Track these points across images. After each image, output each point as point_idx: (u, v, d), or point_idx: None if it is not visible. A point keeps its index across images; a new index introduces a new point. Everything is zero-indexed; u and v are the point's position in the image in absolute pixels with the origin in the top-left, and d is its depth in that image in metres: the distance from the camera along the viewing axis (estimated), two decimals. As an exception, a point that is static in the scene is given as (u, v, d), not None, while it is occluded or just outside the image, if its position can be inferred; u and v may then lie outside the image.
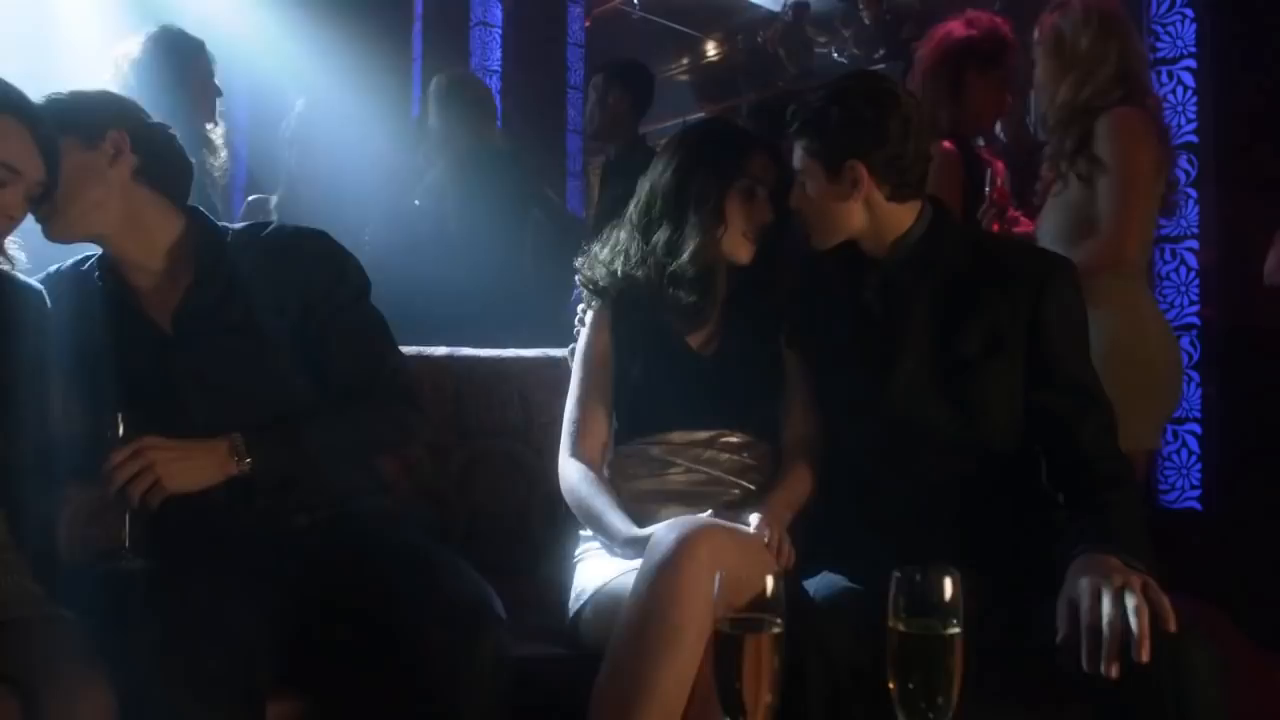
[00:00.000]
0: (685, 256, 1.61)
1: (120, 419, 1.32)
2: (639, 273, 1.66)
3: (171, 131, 1.54)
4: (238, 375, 1.47)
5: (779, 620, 0.92)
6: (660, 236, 1.65)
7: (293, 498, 1.47)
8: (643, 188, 1.71)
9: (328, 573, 1.40)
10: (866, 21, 7.47)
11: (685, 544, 1.26)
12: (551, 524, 1.82)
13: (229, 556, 1.39)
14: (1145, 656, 1.08)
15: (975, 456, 1.47)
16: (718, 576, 0.98)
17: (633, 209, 1.72)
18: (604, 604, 1.44)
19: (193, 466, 1.35)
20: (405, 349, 1.64)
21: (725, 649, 0.92)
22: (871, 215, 1.52)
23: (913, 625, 0.90)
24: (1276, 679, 1.64)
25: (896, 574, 0.92)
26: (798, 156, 1.55)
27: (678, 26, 9.49)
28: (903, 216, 1.54)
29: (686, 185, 1.64)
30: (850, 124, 1.48)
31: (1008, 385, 1.46)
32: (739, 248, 1.63)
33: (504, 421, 1.98)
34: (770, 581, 0.93)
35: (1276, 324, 2.92)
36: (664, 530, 1.32)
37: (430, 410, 1.64)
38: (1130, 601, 1.11)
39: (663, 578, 1.26)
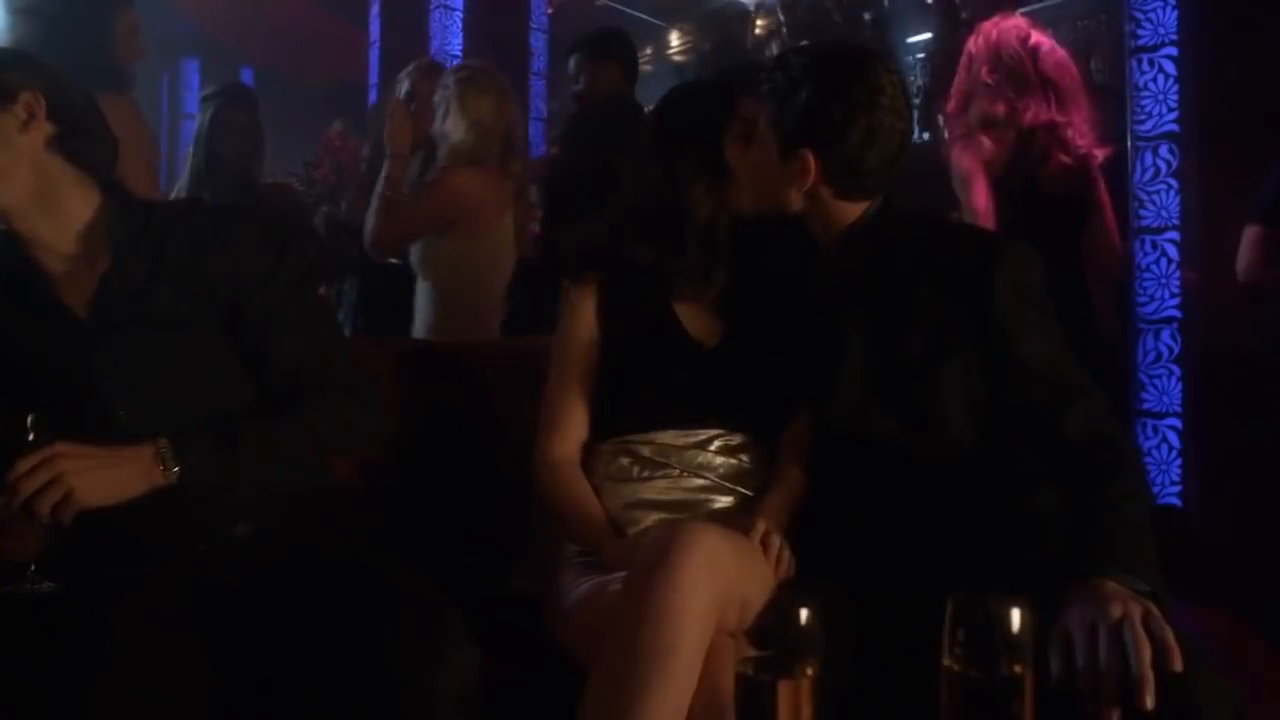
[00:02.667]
0: (688, 216, 1.48)
1: (30, 421, 1.17)
2: (631, 245, 1.53)
3: (93, 98, 1.38)
4: (164, 371, 1.32)
5: (814, 659, 0.77)
6: (656, 201, 1.52)
7: (228, 506, 1.32)
8: (630, 157, 1.58)
9: (269, 596, 1.25)
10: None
11: (680, 549, 1.13)
12: (524, 529, 1.69)
13: (155, 578, 1.24)
14: (1149, 703, 0.96)
15: (941, 471, 1.33)
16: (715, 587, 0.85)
17: (622, 179, 1.60)
18: (586, 616, 1.31)
19: (111, 477, 1.20)
20: (360, 335, 1.48)
21: (750, 701, 0.77)
22: (814, 205, 1.41)
23: (974, 665, 0.77)
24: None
25: (953, 603, 0.79)
26: (761, 116, 1.44)
27: (643, 16, 9.38)
28: (848, 211, 1.42)
29: (679, 143, 1.51)
30: (814, 112, 1.35)
31: (963, 389, 1.32)
32: (741, 195, 1.50)
33: (470, 415, 1.83)
34: (806, 613, 0.77)
35: (1258, 317, 2.87)
36: (655, 534, 1.19)
37: (387, 404, 1.48)
38: (1129, 637, 0.99)
39: (655, 587, 1.12)
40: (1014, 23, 2.78)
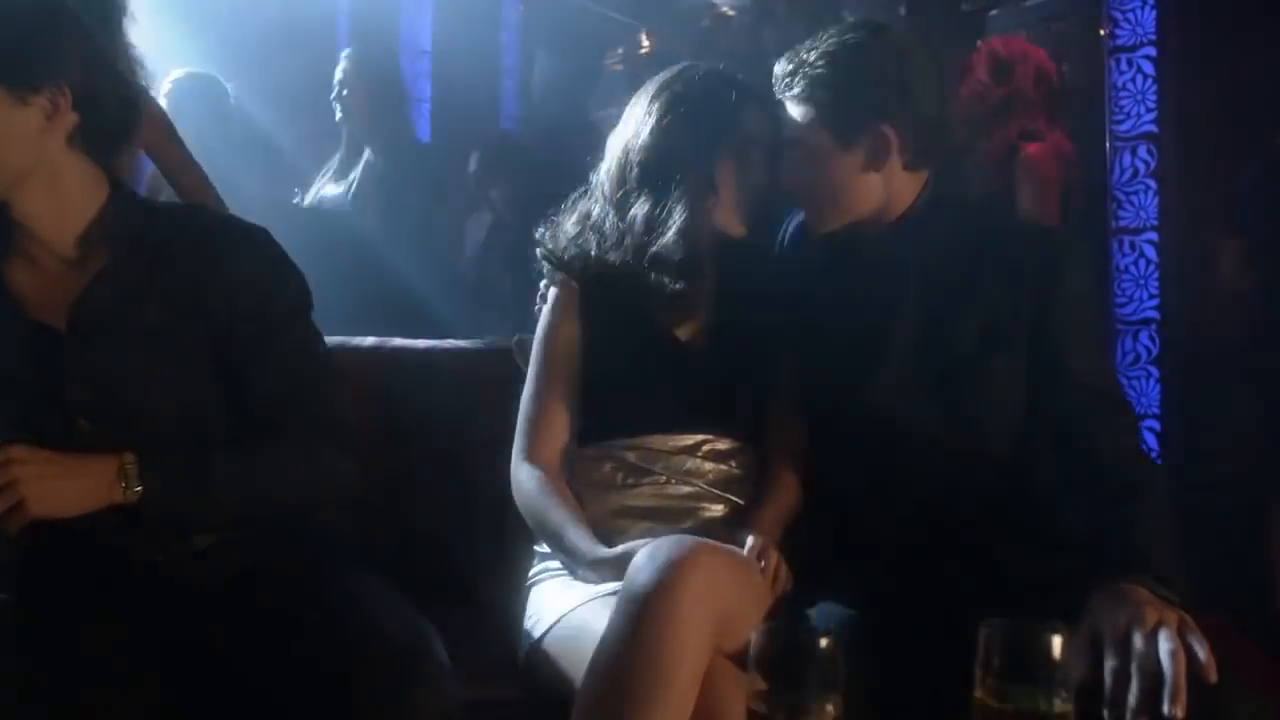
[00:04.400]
0: (670, 235, 1.39)
1: None
2: (613, 255, 1.44)
3: (127, 76, 1.28)
4: (137, 384, 1.23)
5: (837, 696, 0.70)
6: (639, 210, 1.42)
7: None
8: (614, 149, 1.48)
9: (231, 612, 1.17)
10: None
11: (678, 569, 1.06)
12: (499, 540, 1.60)
13: (110, 590, 1.16)
14: (1180, 712, 0.93)
15: (971, 472, 1.28)
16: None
17: (604, 176, 1.49)
18: (565, 637, 1.24)
19: (67, 488, 1.12)
20: (327, 339, 1.39)
21: None
22: (879, 186, 1.35)
23: (1012, 697, 0.70)
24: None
25: (986, 630, 0.72)
26: (799, 123, 1.35)
27: (614, 15, 9.32)
28: (909, 188, 1.37)
29: (669, 148, 1.41)
30: (879, 82, 1.30)
31: (1009, 385, 1.28)
32: (732, 220, 1.43)
33: (443, 421, 1.75)
34: (825, 641, 0.70)
35: (1237, 317, 2.86)
36: (649, 551, 1.11)
37: (351, 405, 1.39)
38: (1165, 645, 0.96)
39: (651, 609, 1.05)
40: (1025, 44, 3.09)
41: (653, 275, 1.40)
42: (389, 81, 3.25)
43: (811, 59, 1.33)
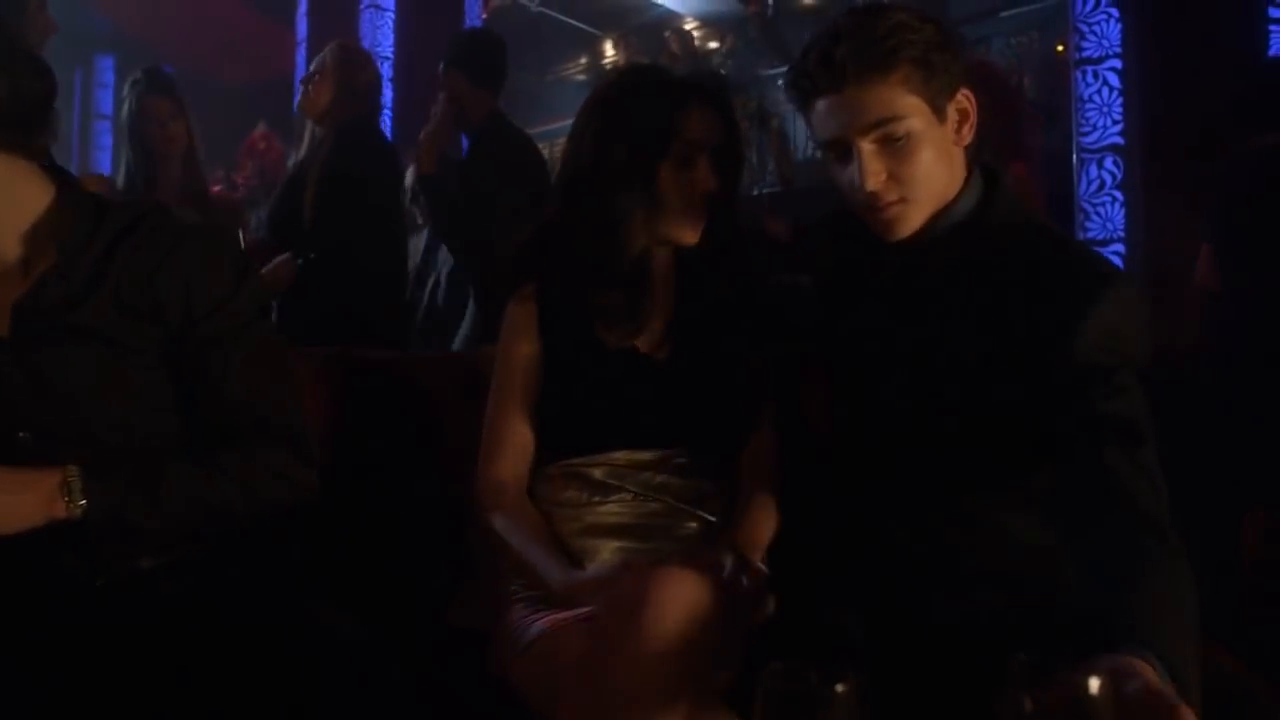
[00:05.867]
0: (609, 246, 1.34)
1: None
2: (561, 269, 1.39)
3: (47, 68, 1.18)
4: (83, 391, 1.15)
5: None
6: (582, 222, 1.37)
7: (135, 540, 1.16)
8: (562, 160, 1.43)
9: (177, 642, 1.09)
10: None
11: (654, 605, 0.99)
12: (464, 556, 1.54)
13: (46, 615, 1.08)
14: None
15: (967, 492, 1.19)
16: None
17: (555, 187, 1.44)
18: (539, 662, 1.18)
19: (5, 503, 1.05)
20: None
21: None
22: (951, 176, 1.23)
23: None
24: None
25: (1014, 667, 0.66)
26: (879, 101, 1.15)
27: (577, 24, 9.28)
28: (959, 179, 1.23)
29: (605, 156, 1.35)
30: (957, 50, 1.19)
31: (1018, 409, 1.15)
32: (681, 229, 1.36)
33: (404, 432, 1.68)
34: (841, 688, 0.61)
35: (1204, 331, 2.87)
36: (624, 582, 1.05)
37: (310, 418, 1.31)
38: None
39: (625, 649, 0.98)
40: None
41: (595, 289, 1.35)
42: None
43: (880, 34, 1.14)
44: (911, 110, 1.15)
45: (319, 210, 2.66)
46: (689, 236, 1.37)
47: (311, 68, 2.81)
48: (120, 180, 2.87)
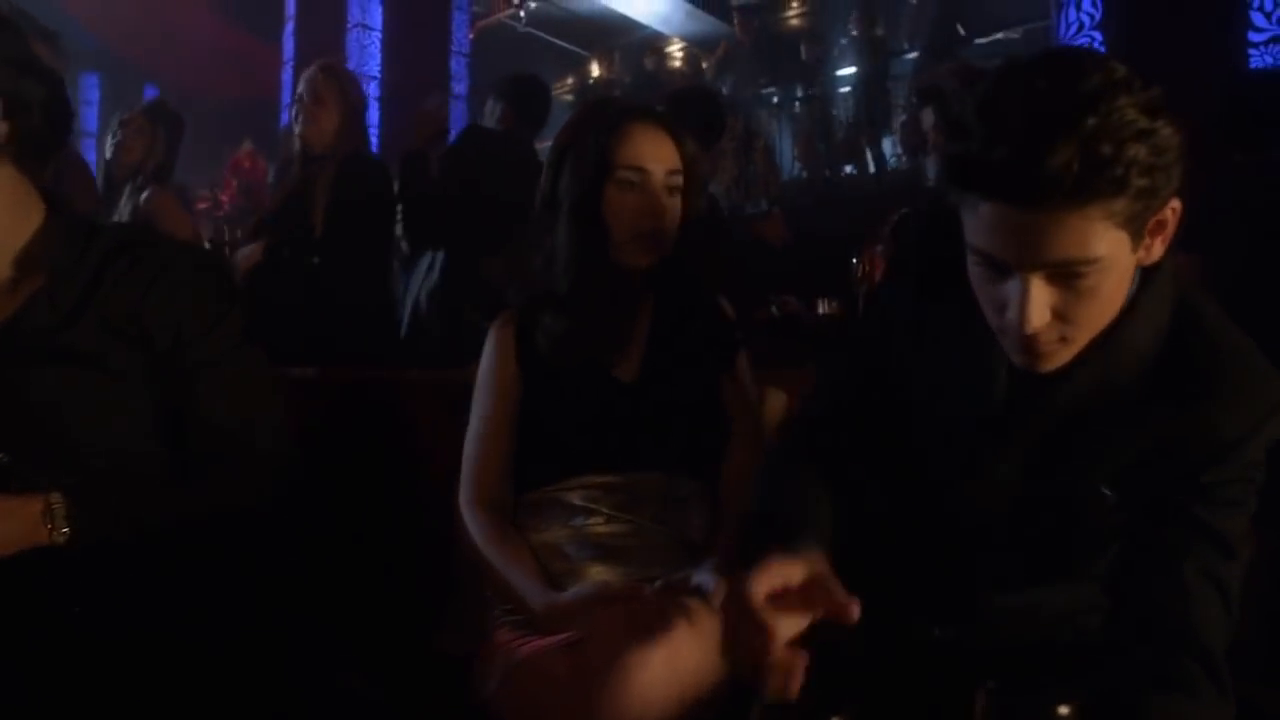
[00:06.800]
0: (559, 273, 1.37)
1: None
2: (529, 295, 1.42)
3: (61, 79, 1.17)
4: (66, 414, 1.13)
5: None
6: (544, 249, 1.40)
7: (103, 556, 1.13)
8: (539, 186, 1.46)
9: (147, 678, 1.06)
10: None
11: (634, 654, 0.98)
12: (447, 581, 1.52)
13: (18, 643, 1.05)
14: None
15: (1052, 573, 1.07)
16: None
17: (532, 212, 1.46)
18: (528, 684, 1.16)
19: None
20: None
21: None
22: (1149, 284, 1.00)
23: None
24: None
25: (984, 698, 0.64)
26: (1072, 233, 0.85)
27: (564, 44, 9.34)
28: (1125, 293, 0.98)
29: (557, 183, 1.39)
30: (1166, 148, 0.84)
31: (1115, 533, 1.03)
32: (632, 253, 1.37)
33: (386, 454, 1.66)
34: None
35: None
36: (600, 625, 1.05)
37: (298, 440, 1.30)
38: None
39: (605, 702, 0.97)
40: None
41: (550, 315, 1.38)
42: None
43: (1107, 151, 0.82)
44: (1111, 248, 0.87)
45: (329, 229, 2.69)
46: (642, 258, 1.38)
47: (304, 96, 2.78)
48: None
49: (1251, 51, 3.14)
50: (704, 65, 8.50)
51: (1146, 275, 0.98)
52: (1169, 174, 0.85)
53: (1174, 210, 0.90)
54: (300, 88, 2.80)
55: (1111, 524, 1.01)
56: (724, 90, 7.09)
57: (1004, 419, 1.03)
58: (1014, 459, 1.03)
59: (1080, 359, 0.96)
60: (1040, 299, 0.89)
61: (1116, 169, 0.81)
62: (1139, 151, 0.82)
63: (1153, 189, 0.84)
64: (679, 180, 1.37)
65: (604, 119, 1.38)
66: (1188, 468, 0.97)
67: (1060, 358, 0.95)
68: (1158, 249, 0.93)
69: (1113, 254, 0.87)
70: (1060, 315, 0.91)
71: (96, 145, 3.06)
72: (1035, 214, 0.85)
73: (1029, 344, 0.93)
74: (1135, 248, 0.89)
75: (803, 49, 7.67)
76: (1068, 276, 0.89)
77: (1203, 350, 0.99)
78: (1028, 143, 0.82)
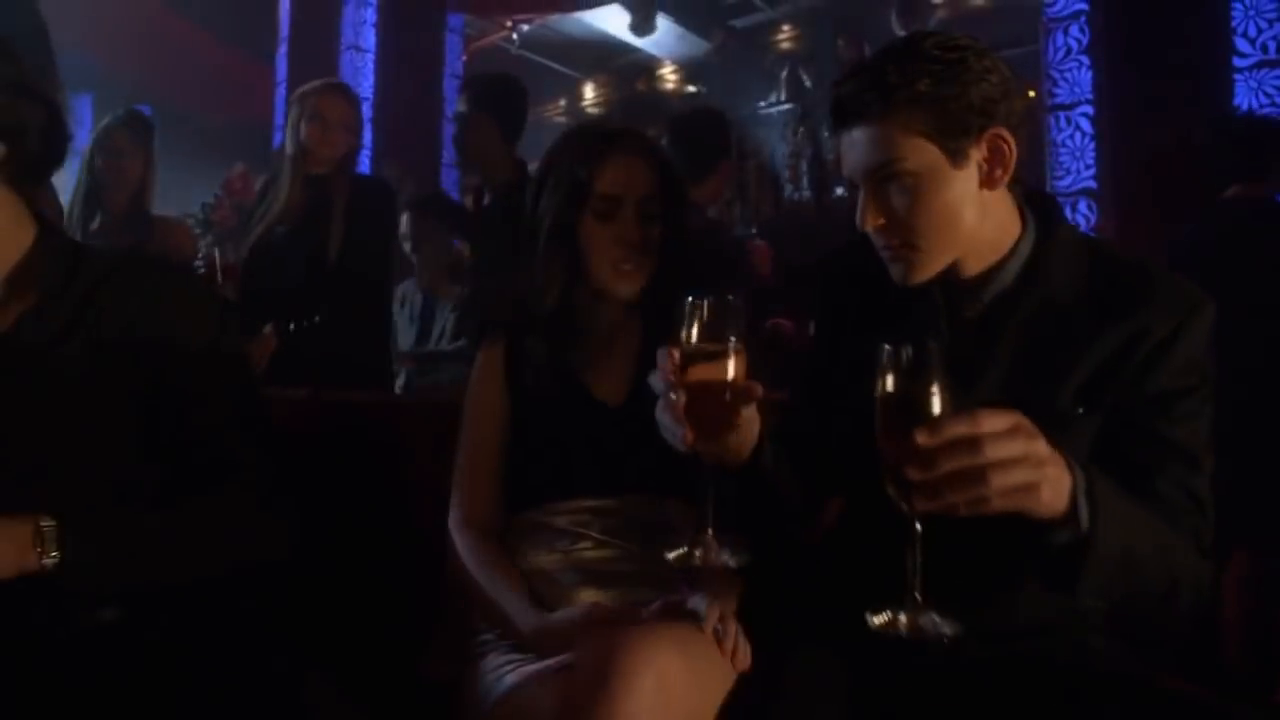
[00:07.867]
0: (539, 296, 1.39)
1: None
2: (515, 320, 1.44)
3: (59, 103, 1.18)
4: (55, 436, 1.12)
5: None
6: (526, 274, 1.42)
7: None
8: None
9: (139, 699, 1.05)
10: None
11: (624, 677, 0.98)
12: (435, 605, 1.50)
13: (5, 667, 1.04)
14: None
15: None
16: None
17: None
18: (515, 710, 1.15)
19: None
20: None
21: None
22: (982, 222, 1.13)
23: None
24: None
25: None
26: (898, 143, 1.08)
27: (557, 66, 9.37)
28: (1010, 223, 1.15)
29: (537, 210, 1.41)
30: (993, 84, 1.07)
31: (1089, 445, 1.10)
32: (611, 280, 1.38)
33: (373, 478, 1.65)
34: None
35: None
36: (592, 647, 1.03)
37: (290, 462, 1.29)
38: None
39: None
40: None
41: (532, 338, 1.40)
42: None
43: (902, 67, 1.07)
44: (918, 155, 1.07)
45: (347, 249, 2.67)
46: (622, 288, 1.38)
47: (305, 118, 2.72)
48: (66, 199, 2.87)
49: (1236, 76, 3.17)
50: (692, 89, 8.54)
51: (1047, 227, 1.16)
52: (962, 95, 1.06)
53: (1004, 140, 1.09)
54: (312, 106, 2.72)
55: (1080, 449, 1.07)
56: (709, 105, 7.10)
57: (966, 359, 1.12)
58: (981, 395, 1.10)
59: (998, 289, 1.14)
60: (870, 202, 1.11)
61: (889, 79, 1.06)
62: (915, 70, 1.06)
63: (935, 100, 1.06)
64: (656, 207, 1.37)
65: (580, 147, 1.39)
66: (1135, 376, 1.09)
67: (919, 266, 1.12)
68: (1000, 177, 1.10)
69: (925, 162, 1.08)
70: (895, 220, 1.10)
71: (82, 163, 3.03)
72: (850, 131, 1.10)
73: (886, 254, 1.14)
74: (956, 164, 1.08)
75: (801, 72, 7.71)
76: (885, 179, 1.10)
77: (1125, 270, 1.14)
78: (842, 80, 1.12)
